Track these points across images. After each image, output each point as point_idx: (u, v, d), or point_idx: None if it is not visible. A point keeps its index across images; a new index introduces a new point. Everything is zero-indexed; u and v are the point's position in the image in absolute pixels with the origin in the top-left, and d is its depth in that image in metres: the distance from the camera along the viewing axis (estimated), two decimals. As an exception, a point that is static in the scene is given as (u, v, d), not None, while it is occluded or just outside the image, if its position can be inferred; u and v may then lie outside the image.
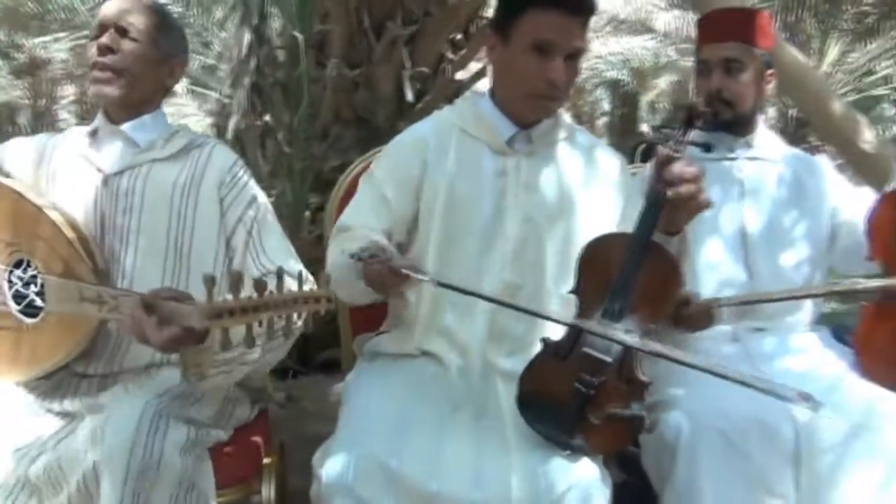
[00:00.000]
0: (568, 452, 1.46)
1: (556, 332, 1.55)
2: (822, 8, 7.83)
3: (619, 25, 12.04)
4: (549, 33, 1.58)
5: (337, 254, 1.59)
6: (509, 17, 1.63)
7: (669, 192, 1.42)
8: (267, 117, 2.99)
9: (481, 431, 1.53)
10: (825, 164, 2.11)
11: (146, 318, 1.30)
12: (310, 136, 2.84)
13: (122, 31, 1.63)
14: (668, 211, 1.46)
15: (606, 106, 17.76)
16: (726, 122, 2.00)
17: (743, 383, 1.35)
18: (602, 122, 17.10)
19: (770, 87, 2.05)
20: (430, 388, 1.62)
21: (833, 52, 9.96)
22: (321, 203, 2.94)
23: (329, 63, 2.81)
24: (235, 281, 1.21)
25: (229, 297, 1.18)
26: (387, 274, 1.40)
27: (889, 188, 1.88)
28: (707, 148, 1.54)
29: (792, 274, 1.96)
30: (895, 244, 1.79)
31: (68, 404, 1.56)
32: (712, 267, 1.96)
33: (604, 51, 12.00)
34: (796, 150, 2.16)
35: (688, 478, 1.63)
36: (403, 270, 1.38)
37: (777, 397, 1.33)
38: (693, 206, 1.45)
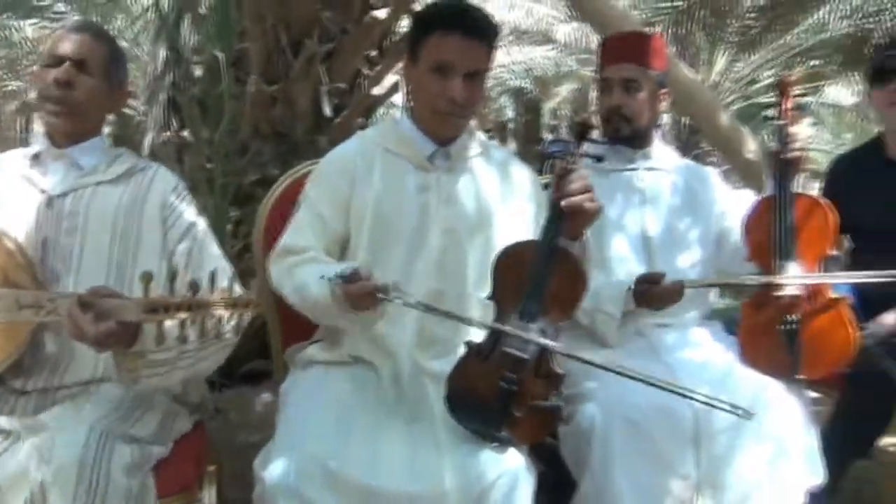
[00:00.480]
0: (496, 445, 1.57)
1: (479, 335, 1.67)
2: (709, 21, 8.29)
3: (522, 36, 12.36)
4: (449, 54, 1.70)
5: (304, 276, 1.68)
6: (417, 39, 1.76)
7: (564, 203, 1.58)
8: (185, 133, 3.00)
9: (414, 431, 1.63)
10: (712, 173, 2.33)
11: (82, 315, 1.36)
12: (229, 151, 2.88)
13: (79, 65, 1.67)
14: (567, 219, 1.61)
15: (510, 113, 18.20)
16: (626, 136, 2.19)
17: (683, 395, 1.56)
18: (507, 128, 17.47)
19: (663, 105, 2.25)
20: (364, 393, 1.71)
21: (720, 62, 10.54)
22: (241, 216, 2.98)
23: (248, 80, 2.85)
24: (171, 276, 1.31)
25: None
26: (368, 295, 1.51)
27: (762, 195, 2.09)
28: (599, 159, 1.69)
29: (688, 273, 2.15)
30: (768, 245, 2.00)
31: (5, 422, 1.56)
32: (622, 261, 2.14)
33: (507, 60, 12.29)
34: (688, 161, 2.38)
35: (602, 463, 1.79)
36: (380, 295, 1.51)
37: (717, 408, 1.53)
38: (587, 214, 1.61)
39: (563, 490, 1.90)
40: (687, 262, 2.17)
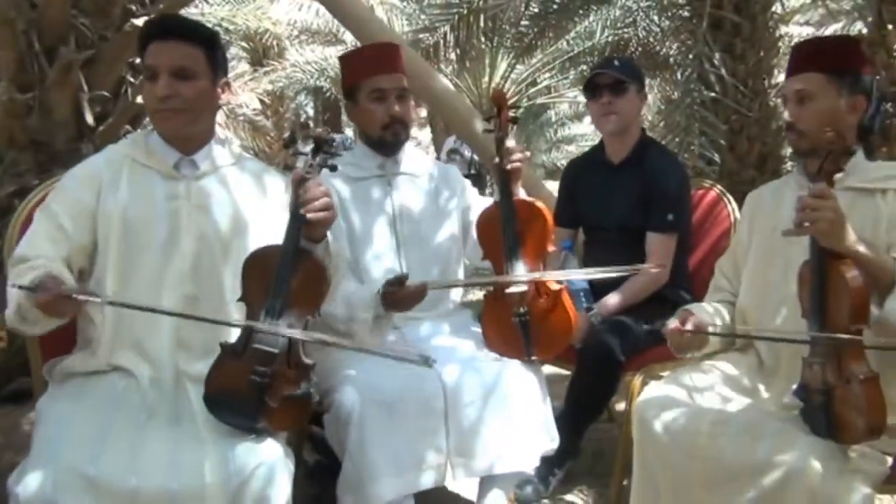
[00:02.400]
0: (254, 436, 1.68)
1: (235, 336, 1.76)
2: (487, 27, 8.76)
3: (313, 36, 12.41)
4: (150, 59, 1.81)
5: (9, 286, 1.67)
6: (142, 54, 1.85)
7: (301, 211, 1.71)
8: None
9: (178, 432, 1.70)
10: (457, 173, 2.58)
11: None
12: (-20, 162, 2.74)
13: None
14: (306, 225, 1.73)
15: (311, 111, 18.13)
16: (403, 141, 2.37)
17: (382, 355, 1.75)
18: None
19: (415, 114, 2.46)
20: (124, 400, 1.75)
21: (502, 66, 11.19)
22: (-2, 229, 2.84)
23: (-2, 87, 2.73)
24: None
25: None
26: (59, 300, 1.54)
27: (494, 199, 2.35)
28: (334, 168, 1.84)
29: (437, 265, 2.39)
30: (498, 248, 2.25)
31: None
32: (377, 259, 2.32)
33: (300, 59, 12.27)
34: (437, 163, 2.61)
35: (359, 444, 1.96)
36: (74, 295, 1.55)
37: (405, 361, 1.70)
38: (323, 219, 1.74)
39: (336, 474, 2.03)
40: (435, 255, 2.40)
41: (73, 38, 2.82)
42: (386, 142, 2.35)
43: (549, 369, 2.95)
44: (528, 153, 2.32)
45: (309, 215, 1.71)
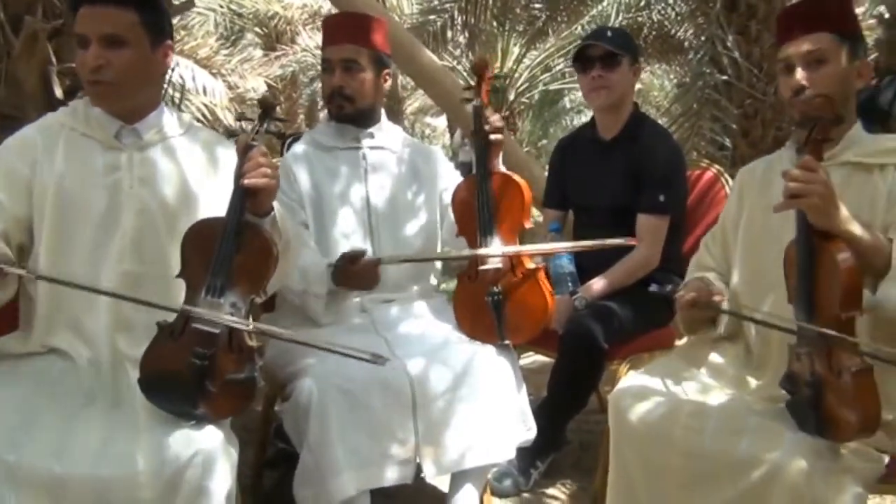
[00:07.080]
0: (193, 422, 1.56)
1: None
2: (497, 9, 8.58)
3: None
4: (81, 27, 1.68)
5: None
6: (73, 21, 1.72)
7: (245, 181, 1.59)
8: None
9: (115, 417, 1.59)
10: (437, 151, 2.45)
11: None
12: (-55, 135, 2.64)
13: None
14: (249, 194, 1.62)
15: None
16: (350, 115, 2.23)
17: (329, 350, 1.61)
18: (324, 113, 17.19)
19: (387, 85, 2.32)
20: (59, 384, 1.64)
21: (514, 50, 11.02)
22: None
23: (-38, 58, 2.63)
24: None
25: None
26: None
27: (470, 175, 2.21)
28: (280, 136, 1.73)
29: (410, 245, 2.26)
30: (472, 222, 2.13)
31: None
32: (345, 236, 2.21)
33: (311, 44, 12.16)
34: (414, 140, 2.48)
35: (319, 435, 1.84)
36: (1, 267, 1.45)
37: (354, 358, 1.57)
38: (266, 189, 1.62)
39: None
40: (409, 234, 2.27)
41: (41, 8, 2.72)
42: (332, 115, 2.26)
43: (537, 359, 2.82)
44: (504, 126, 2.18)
45: (246, 182, 1.59)
